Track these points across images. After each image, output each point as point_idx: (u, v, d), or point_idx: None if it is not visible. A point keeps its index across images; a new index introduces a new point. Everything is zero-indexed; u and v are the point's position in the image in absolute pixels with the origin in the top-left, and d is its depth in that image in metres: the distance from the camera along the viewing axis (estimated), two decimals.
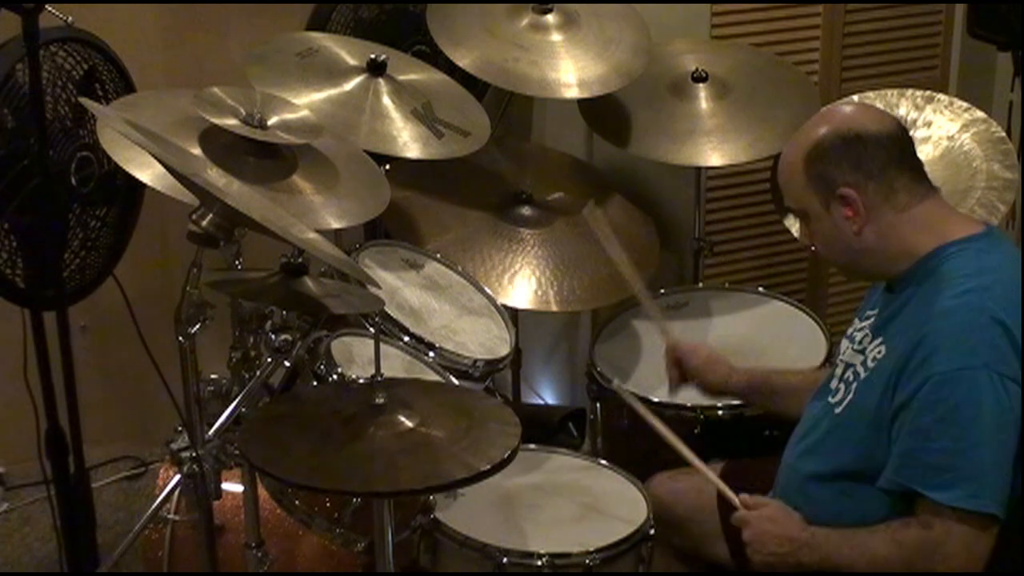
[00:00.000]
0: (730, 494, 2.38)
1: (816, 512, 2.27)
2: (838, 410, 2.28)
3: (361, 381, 2.38)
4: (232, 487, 2.65)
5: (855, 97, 3.10)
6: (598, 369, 3.03)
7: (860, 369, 2.26)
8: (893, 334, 2.21)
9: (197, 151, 2.51)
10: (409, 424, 2.13)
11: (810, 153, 2.23)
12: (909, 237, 2.21)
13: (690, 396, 2.84)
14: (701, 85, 3.33)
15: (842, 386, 2.30)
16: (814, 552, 2.23)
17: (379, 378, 2.16)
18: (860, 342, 2.30)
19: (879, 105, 3.06)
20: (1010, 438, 2.09)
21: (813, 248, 2.31)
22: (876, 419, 2.18)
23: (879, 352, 2.22)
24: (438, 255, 3.00)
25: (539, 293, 3.07)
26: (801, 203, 2.27)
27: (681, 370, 2.69)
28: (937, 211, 2.25)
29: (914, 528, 2.13)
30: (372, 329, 2.48)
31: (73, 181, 2.72)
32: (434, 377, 2.67)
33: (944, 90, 3.70)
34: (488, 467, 2.05)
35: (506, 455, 2.07)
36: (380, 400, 2.14)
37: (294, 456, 2.09)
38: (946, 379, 2.08)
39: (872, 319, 2.30)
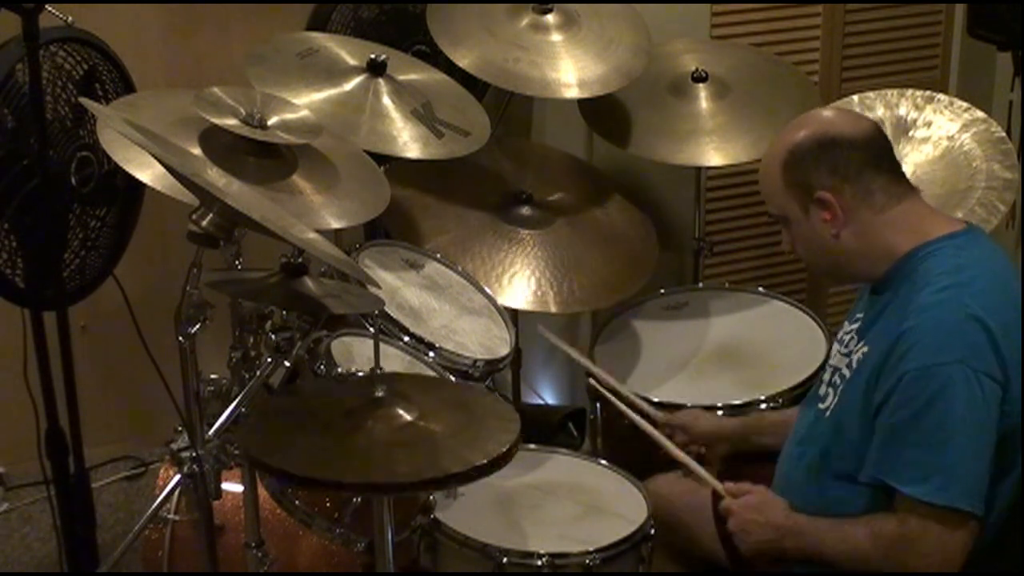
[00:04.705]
0: (714, 482, 2.38)
1: (814, 516, 2.26)
2: (828, 415, 2.28)
3: (360, 374, 2.37)
4: (232, 487, 2.65)
5: (854, 98, 3.10)
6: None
7: (845, 371, 2.27)
8: (875, 335, 2.22)
9: (197, 151, 2.51)
10: (408, 418, 2.12)
11: (787, 159, 2.24)
12: (888, 238, 2.22)
13: (688, 397, 2.85)
14: (701, 85, 3.33)
15: (830, 391, 2.30)
16: (798, 539, 2.25)
17: (378, 371, 2.16)
18: (847, 344, 2.31)
19: (879, 105, 3.07)
20: (986, 434, 2.09)
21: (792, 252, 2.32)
22: (863, 419, 2.18)
23: (862, 354, 2.23)
24: (438, 255, 3.00)
25: (539, 294, 3.06)
26: (781, 208, 2.28)
27: (680, 434, 2.68)
28: (916, 211, 2.25)
29: (892, 523, 2.14)
30: (372, 329, 2.48)
31: (73, 181, 2.72)
32: None
33: (944, 90, 3.69)
34: (485, 462, 2.03)
35: (505, 449, 2.06)
36: (379, 393, 2.14)
37: (293, 448, 2.09)
38: (920, 375, 2.08)
39: (859, 322, 2.31)
